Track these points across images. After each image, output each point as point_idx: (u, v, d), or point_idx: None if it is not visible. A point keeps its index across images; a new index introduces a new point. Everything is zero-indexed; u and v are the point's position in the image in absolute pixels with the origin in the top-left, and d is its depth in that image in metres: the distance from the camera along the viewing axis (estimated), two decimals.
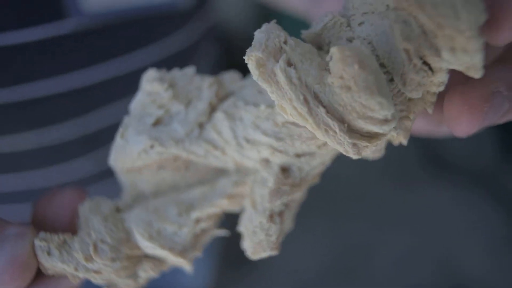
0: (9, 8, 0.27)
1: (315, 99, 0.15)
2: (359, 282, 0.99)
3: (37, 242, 0.19)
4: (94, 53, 0.31)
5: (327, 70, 0.16)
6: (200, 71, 0.40)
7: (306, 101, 0.15)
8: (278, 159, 0.19)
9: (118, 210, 0.22)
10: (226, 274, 0.93)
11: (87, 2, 0.29)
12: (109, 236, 0.20)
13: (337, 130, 0.15)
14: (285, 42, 0.16)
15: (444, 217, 1.07)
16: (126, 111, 0.33)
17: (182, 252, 0.20)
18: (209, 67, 0.43)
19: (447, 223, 1.06)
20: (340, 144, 0.16)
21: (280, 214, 0.20)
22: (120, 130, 0.21)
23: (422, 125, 0.23)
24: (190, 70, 0.21)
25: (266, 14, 1.17)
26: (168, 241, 0.20)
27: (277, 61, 0.16)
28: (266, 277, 0.98)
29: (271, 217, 0.19)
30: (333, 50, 0.14)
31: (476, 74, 0.15)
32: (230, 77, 0.21)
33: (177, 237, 0.20)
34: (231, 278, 0.96)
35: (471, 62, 0.14)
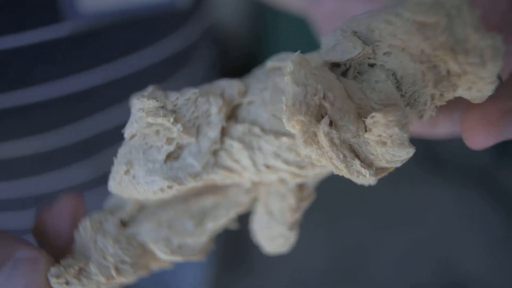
0: (4, 11, 0.26)
1: (351, 152, 0.16)
2: (358, 282, 0.99)
3: (54, 280, 0.19)
4: (91, 56, 0.31)
5: (362, 121, 0.16)
6: (197, 72, 0.41)
7: (344, 157, 0.16)
8: (297, 181, 0.20)
9: (123, 223, 0.21)
10: (224, 276, 0.92)
11: (84, 4, 0.29)
12: (127, 256, 0.20)
13: (368, 175, 0.17)
14: (324, 97, 0.15)
15: (442, 216, 1.07)
16: (124, 116, 0.33)
17: (200, 253, 0.21)
18: (205, 69, 0.43)
19: (445, 221, 1.06)
20: (363, 181, 0.17)
21: (297, 220, 0.21)
22: (123, 166, 0.19)
23: (416, 127, 0.23)
24: (191, 92, 0.19)
25: (261, 12, 1.16)
26: (189, 251, 0.21)
27: (318, 121, 0.16)
28: (264, 278, 0.98)
29: (291, 227, 0.21)
30: (378, 116, 0.15)
31: (479, 102, 0.16)
32: (231, 88, 0.20)
33: (196, 246, 0.21)
34: (228, 280, 0.95)
35: (481, 97, 0.16)
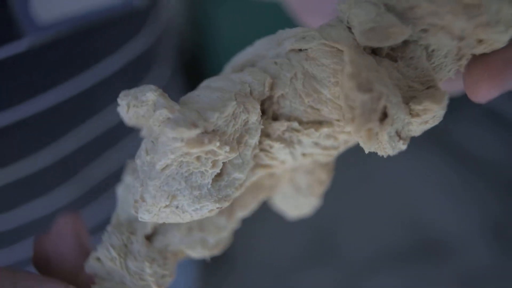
0: None
1: (397, 136, 0.17)
2: (337, 258, 1.01)
3: None
4: (54, 71, 0.29)
5: (408, 106, 0.17)
6: (163, 72, 0.39)
7: (393, 142, 0.17)
8: (328, 159, 0.21)
9: (147, 238, 0.20)
10: (207, 276, 0.92)
11: (40, 16, 0.27)
12: (166, 269, 0.20)
13: (404, 147, 0.18)
14: (388, 99, 0.15)
15: (405, 179, 1.11)
16: (99, 127, 0.32)
17: (231, 238, 0.22)
18: (170, 67, 0.42)
19: (408, 184, 1.10)
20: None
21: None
22: (163, 200, 0.17)
23: None
24: (230, 106, 0.17)
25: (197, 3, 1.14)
26: (224, 242, 0.21)
27: (381, 122, 0.15)
28: (247, 273, 0.98)
29: (319, 196, 0.22)
30: (429, 104, 0.16)
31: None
32: (259, 83, 0.18)
33: (226, 236, 0.21)
34: (213, 279, 0.95)
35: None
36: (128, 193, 0.20)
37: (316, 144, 0.19)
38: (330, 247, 0.98)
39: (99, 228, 0.32)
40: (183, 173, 0.17)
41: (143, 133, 0.20)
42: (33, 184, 0.30)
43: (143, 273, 0.19)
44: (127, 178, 0.21)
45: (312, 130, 0.18)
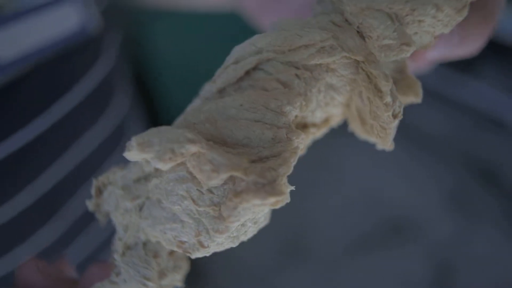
0: None
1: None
2: (311, 250, 1.03)
3: None
4: (23, 109, 0.28)
5: None
6: (123, 98, 0.39)
7: None
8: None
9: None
10: None
11: (1, 54, 0.26)
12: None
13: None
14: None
15: (364, 167, 1.15)
16: (74, 159, 0.31)
17: None
18: (129, 92, 0.42)
19: (368, 171, 1.14)
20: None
21: None
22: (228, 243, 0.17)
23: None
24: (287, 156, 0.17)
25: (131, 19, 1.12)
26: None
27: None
28: (227, 281, 0.98)
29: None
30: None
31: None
32: (294, 109, 0.18)
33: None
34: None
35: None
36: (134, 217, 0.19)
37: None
38: (304, 243, 1.00)
39: (83, 266, 0.31)
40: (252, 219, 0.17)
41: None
42: (14, 229, 0.29)
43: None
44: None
45: (324, 129, 0.21)
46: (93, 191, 0.19)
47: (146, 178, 0.18)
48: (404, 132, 1.19)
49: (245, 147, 0.16)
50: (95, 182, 0.19)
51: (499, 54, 1.18)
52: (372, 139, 0.21)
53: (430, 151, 1.17)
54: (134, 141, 0.15)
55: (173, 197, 0.16)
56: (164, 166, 0.15)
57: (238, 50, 0.18)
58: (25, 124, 0.29)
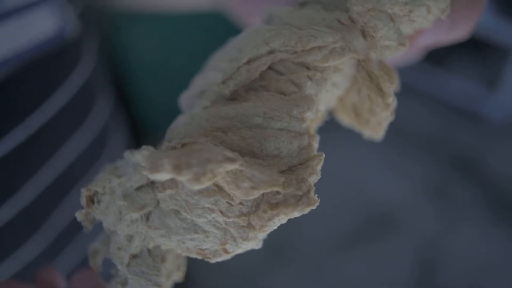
0: None
1: None
2: (298, 249, 1.03)
3: None
4: (1, 118, 0.27)
5: None
6: (104, 103, 0.38)
7: None
8: None
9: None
10: None
11: None
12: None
13: None
14: None
15: (349, 164, 1.15)
16: (57, 169, 0.30)
17: None
18: (110, 98, 0.41)
19: (353, 168, 1.15)
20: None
21: None
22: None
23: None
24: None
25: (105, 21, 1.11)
26: None
27: None
28: (214, 283, 0.97)
29: None
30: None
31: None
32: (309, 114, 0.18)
33: None
34: None
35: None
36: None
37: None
38: (290, 241, 1.00)
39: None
40: None
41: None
42: None
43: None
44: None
45: (319, 123, 0.21)
46: (83, 201, 0.18)
47: (151, 186, 0.17)
48: (389, 127, 1.20)
49: (275, 158, 0.16)
50: (85, 192, 0.18)
51: (475, 49, 1.20)
52: (362, 130, 0.22)
53: (411, 145, 1.18)
54: (167, 163, 0.14)
55: (198, 210, 0.16)
56: (200, 187, 0.14)
57: (246, 49, 0.17)
58: (4, 134, 0.27)
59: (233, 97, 0.17)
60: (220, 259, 0.17)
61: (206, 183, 0.14)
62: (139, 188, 0.17)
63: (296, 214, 0.16)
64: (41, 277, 0.20)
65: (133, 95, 1.04)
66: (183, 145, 0.16)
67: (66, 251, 0.32)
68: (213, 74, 0.18)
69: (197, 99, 0.19)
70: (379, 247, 1.00)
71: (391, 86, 0.18)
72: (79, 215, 0.18)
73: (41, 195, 0.30)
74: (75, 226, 0.33)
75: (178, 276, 0.19)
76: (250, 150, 0.16)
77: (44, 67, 0.29)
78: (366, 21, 0.18)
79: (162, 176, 0.14)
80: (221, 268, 0.96)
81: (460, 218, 1.02)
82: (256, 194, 0.15)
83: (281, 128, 0.16)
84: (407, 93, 1.22)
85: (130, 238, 0.17)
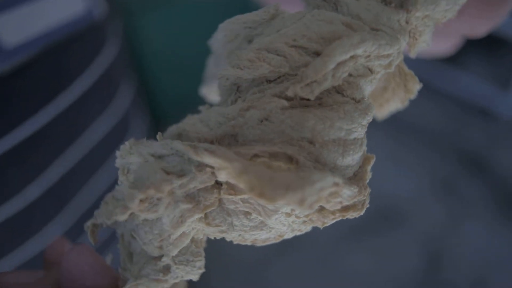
0: None
1: None
2: (303, 241, 1.03)
3: None
4: (30, 97, 0.27)
5: None
6: (129, 87, 0.38)
7: None
8: None
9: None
10: None
11: (4, 38, 0.25)
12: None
13: None
14: None
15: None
16: (83, 149, 0.30)
17: None
18: (134, 81, 0.40)
19: None
20: None
21: None
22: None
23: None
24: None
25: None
26: None
27: None
28: (219, 273, 0.97)
29: None
30: None
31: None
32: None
33: None
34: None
35: None
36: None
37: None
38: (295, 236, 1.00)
39: None
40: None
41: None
42: (23, 223, 0.28)
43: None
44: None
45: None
46: (135, 204, 0.15)
47: (216, 186, 0.17)
48: (394, 122, 1.20)
49: (349, 168, 0.17)
50: (140, 194, 0.15)
51: (488, 47, 1.19)
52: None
53: (420, 140, 1.18)
54: (293, 197, 0.13)
55: (276, 215, 0.16)
56: (309, 212, 0.15)
57: (334, 53, 0.16)
58: (31, 115, 0.27)
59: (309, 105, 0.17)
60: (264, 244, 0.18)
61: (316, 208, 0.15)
62: (203, 188, 0.16)
63: (355, 215, 0.17)
64: (50, 249, 0.20)
65: (147, 83, 1.04)
66: (271, 155, 0.15)
67: (87, 234, 0.33)
68: (278, 60, 0.17)
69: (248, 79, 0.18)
70: (385, 241, 1.00)
71: (418, 86, 0.20)
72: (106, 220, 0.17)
73: (66, 176, 0.30)
74: (97, 208, 0.33)
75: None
76: (333, 162, 0.16)
77: (71, 48, 0.29)
78: (417, 25, 0.18)
79: (280, 205, 0.14)
80: (227, 258, 0.96)
81: (467, 214, 1.02)
82: (340, 206, 0.16)
83: (355, 138, 0.17)
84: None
85: (183, 234, 0.17)
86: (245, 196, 0.16)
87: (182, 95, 0.97)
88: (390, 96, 0.22)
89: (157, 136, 0.18)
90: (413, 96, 0.21)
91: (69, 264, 0.17)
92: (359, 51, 0.16)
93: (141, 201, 0.15)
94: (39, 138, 0.28)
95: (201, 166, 0.15)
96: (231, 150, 0.15)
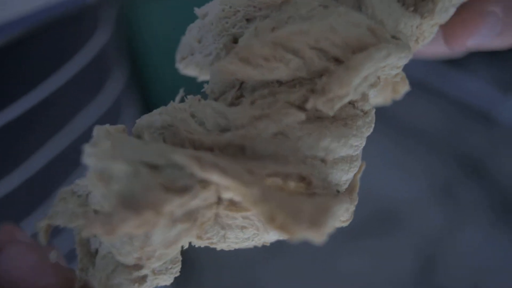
0: None
1: None
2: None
3: None
4: (14, 80, 0.26)
5: None
6: (120, 74, 0.37)
7: None
8: None
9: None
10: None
11: None
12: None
13: None
14: None
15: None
16: (63, 139, 0.29)
17: None
18: (125, 68, 0.39)
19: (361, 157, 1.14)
20: None
21: None
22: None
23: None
24: None
25: None
26: None
27: None
28: (211, 272, 0.96)
29: None
30: None
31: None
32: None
33: None
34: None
35: None
36: None
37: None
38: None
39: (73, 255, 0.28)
40: None
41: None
42: (2, 213, 0.26)
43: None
44: None
45: None
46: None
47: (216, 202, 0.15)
48: (393, 124, 1.19)
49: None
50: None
51: (491, 51, 1.18)
52: None
53: (419, 143, 1.17)
54: (314, 232, 0.13)
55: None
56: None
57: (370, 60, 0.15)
58: (14, 100, 0.26)
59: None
60: None
61: None
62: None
63: (344, 225, 0.18)
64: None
65: (145, 70, 1.03)
66: (285, 175, 0.14)
67: (66, 232, 0.31)
68: (296, 63, 0.15)
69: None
70: (381, 243, 0.99)
71: (406, 89, 0.20)
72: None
73: (49, 166, 0.28)
74: None
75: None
76: (338, 180, 0.16)
77: (62, 29, 0.28)
78: (425, 31, 0.18)
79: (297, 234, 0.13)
80: (220, 258, 0.95)
81: (464, 219, 1.01)
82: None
83: (358, 153, 0.17)
84: (417, 90, 1.20)
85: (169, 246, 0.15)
86: (247, 213, 0.15)
87: (177, 85, 0.96)
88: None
89: (136, 127, 0.16)
90: (399, 97, 0.21)
91: (7, 265, 0.15)
92: (383, 64, 0.15)
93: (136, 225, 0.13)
94: (23, 124, 0.26)
95: (205, 182, 0.13)
96: (240, 164, 0.14)
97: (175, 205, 0.13)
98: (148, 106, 0.99)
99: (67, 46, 0.29)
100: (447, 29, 0.19)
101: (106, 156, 0.13)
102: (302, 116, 0.15)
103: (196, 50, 0.19)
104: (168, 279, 0.16)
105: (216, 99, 0.17)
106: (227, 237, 0.16)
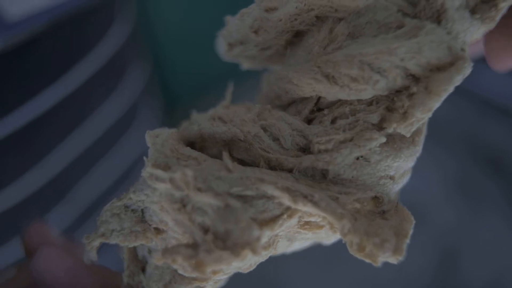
0: None
1: None
2: None
3: None
4: (33, 77, 0.25)
5: None
6: (142, 68, 0.36)
7: None
8: None
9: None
10: None
11: (9, 10, 0.23)
12: None
13: None
14: None
15: None
16: (87, 136, 0.28)
17: None
18: (148, 63, 0.38)
19: None
20: None
21: None
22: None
23: None
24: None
25: None
26: None
27: None
28: None
29: None
30: None
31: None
32: None
33: None
34: None
35: None
36: None
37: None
38: None
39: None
40: None
41: None
42: (23, 209, 0.26)
43: None
44: None
45: None
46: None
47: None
48: None
49: None
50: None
51: None
52: None
53: (434, 138, 1.15)
54: (393, 257, 0.13)
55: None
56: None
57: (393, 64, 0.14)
58: (34, 95, 0.25)
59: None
60: None
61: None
62: None
63: None
64: (30, 233, 0.17)
65: (161, 67, 1.03)
66: (364, 199, 0.15)
67: (88, 225, 0.31)
68: (382, 83, 0.15)
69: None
70: None
71: None
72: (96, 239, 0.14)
73: (68, 163, 0.28)
74: (99, 199, 0.31)
75: None
76: (394, 194, 0.16)
77: (78, 24, 0.27)
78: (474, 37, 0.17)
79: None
80: None
81: (479, 213, 1.00)
82: None
83: None
84: None
85: None
86: (319, 230, 0.15)
87: (197, 80, 0.95)
88: None
89: (189, 131, 0.15)
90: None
91: (41, 268, 0.15)
92: (409, 64, 0.14)
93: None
94: (41, 121, 0.26)
95: (292, 211, 0.13)
96: (323, 189, 0.14)
97: (267, 237, 0.13)
98: (167, 101, 0.98)
99: (82, 42, 0.28)
100: (491, 48, 0.17)
101: (187, 185, 0.13)
102: (383, 139, 0.14)
103: (251, 41, 0.17)
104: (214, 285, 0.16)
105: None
106: (290, 247, 0.16)
